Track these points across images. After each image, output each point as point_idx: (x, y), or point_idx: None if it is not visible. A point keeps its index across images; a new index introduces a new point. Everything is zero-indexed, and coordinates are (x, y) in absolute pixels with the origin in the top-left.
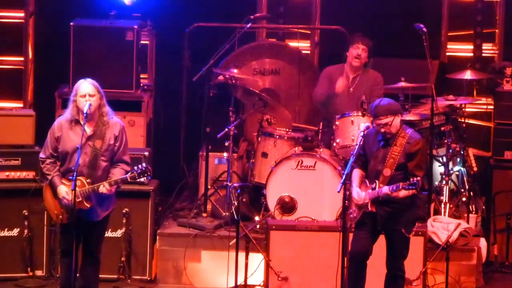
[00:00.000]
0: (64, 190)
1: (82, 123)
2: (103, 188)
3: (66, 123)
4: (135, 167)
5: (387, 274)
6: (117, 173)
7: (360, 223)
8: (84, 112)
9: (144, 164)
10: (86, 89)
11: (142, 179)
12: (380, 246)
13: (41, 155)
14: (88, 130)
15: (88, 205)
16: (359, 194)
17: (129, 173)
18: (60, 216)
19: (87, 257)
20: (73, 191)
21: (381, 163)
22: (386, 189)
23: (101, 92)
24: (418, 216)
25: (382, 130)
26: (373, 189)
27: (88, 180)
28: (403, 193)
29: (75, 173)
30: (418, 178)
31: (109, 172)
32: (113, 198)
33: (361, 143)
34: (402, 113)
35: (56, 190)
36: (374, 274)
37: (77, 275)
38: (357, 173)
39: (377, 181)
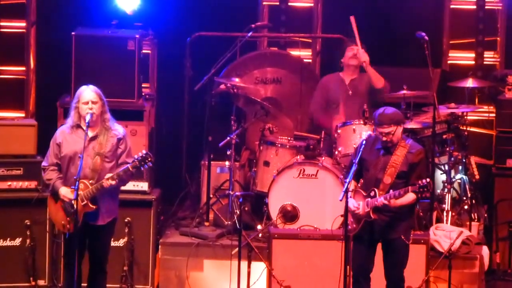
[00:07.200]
0: (65, 190)
1: (84, 128)
2: (107, 182)
3: (67, 129)
4: (135, 156)
5: (388, 285)
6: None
7: (357, 236)
8: (87, 121)
9: (143, 151)
10: (88, 96)
11: (144, 166)
12: (377, 257)
13: (44, 163)
14: (91, 133)
15: (94, 207)
16: (355, 204)
17: (129, 164)
18: (67, 225)
19: (94, 268)
20: (75, 200)
21: (381, 171)
22: (382, 199)
23: (103, 98)
24: (414, 223)
25: (384, 138)
26: (373, 197)
27: (91, 181)
28: (405, 199)
29: (77, 181)
30: (428, 180)
31: None
32: (116, 206)
33: (361, 151)
34: (404, 123)
35: (58, 195)
36: (373, 286)
37: (83, 285)
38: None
39: (376, 189)
